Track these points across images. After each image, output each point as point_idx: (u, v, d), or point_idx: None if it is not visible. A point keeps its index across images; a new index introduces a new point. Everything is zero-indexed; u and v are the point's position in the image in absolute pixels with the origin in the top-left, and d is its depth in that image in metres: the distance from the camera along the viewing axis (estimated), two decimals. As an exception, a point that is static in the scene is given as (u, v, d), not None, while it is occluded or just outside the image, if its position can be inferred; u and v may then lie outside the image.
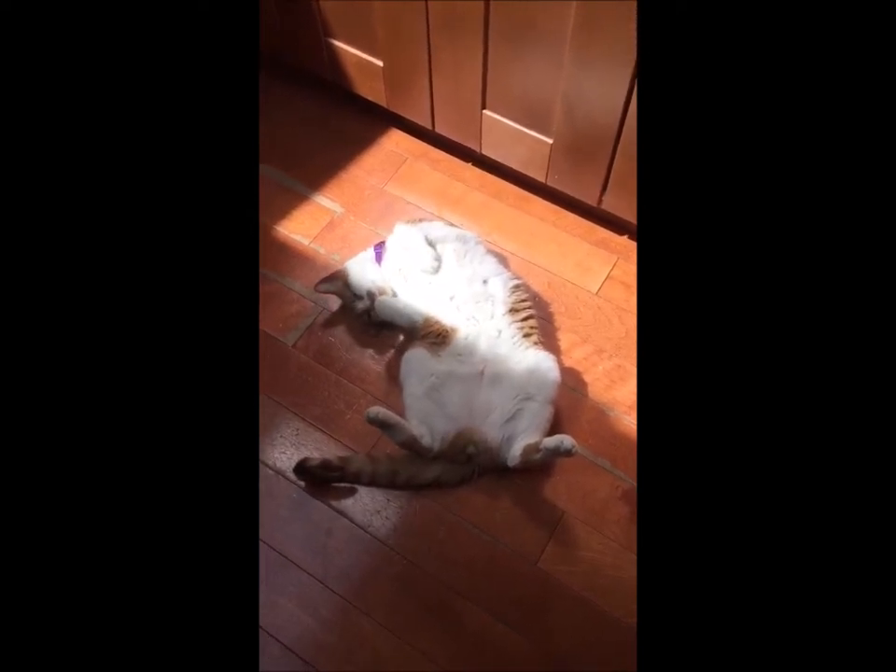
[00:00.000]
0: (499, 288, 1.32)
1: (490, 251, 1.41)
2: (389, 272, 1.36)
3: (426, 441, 1.19)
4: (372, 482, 1.23)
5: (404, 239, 1.35)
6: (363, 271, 1.37)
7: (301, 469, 1.22)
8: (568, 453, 1.11)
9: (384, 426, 1.17)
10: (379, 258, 1.38)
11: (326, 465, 1.22)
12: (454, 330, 1.27)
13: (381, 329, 1.39)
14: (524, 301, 1.33)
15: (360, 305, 1.36)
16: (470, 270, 1.33)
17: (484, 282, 1.32)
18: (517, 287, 1.35)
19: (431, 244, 1.34)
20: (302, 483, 1.24)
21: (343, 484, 1.24)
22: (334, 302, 1.44)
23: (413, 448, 1.20)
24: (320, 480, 1.23)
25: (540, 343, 1.30)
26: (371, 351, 1.39)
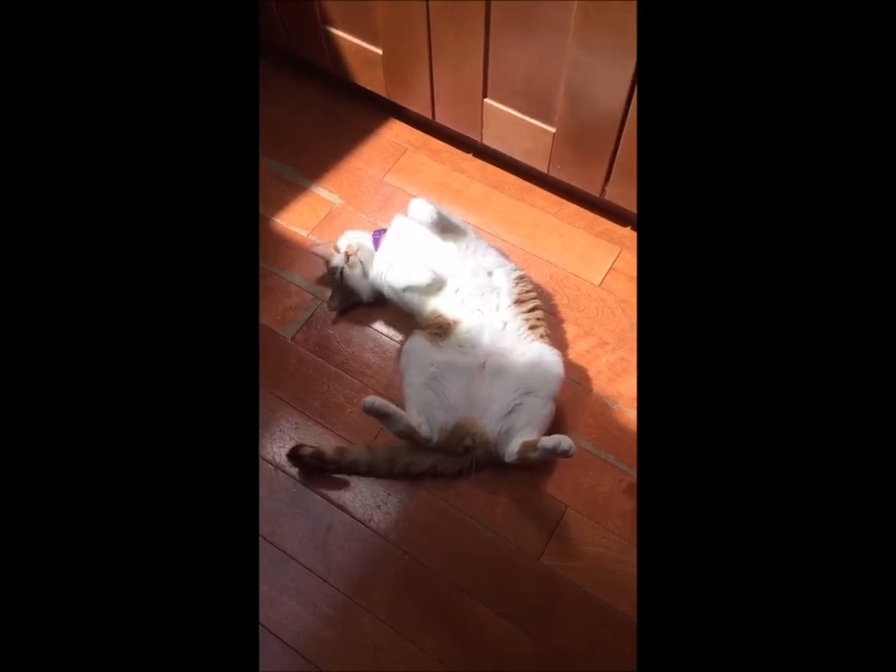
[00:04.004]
0: (504, 280, 1.30)
1: (490, 245, 1.38)
2: (381, 262, 1.34)
3: (424, 430, 1.18)
4: (370, 471, 1.22)
5: (419, 213, 1.29)
6: (359, 235, 1.38)
7: (294, 455, 1.21)
8: (566, 454, 1.08)
9: (380, 415, 1.15)
10: (377, 244, 1.37)
11: (317, 455, 1.21)
12: (456, 322, 1.25)
13: (347, 300, 1.39)
14: (529, 291, 1.32)
15: (335, 260, 1.35)
16: (474, 262, 1.30)
17: (489, 274, 1.30)
18: (521, 277, 1.33)
19: (443, 219, 1.30)
20: (301, 478, 1.22)
21: (341, 477, 1.22)
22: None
23: (411, 438, 1.19)
24: (313, 468, 1.22)
25: (547, 335, 1.28)
26: (370, 344, 1.37)
